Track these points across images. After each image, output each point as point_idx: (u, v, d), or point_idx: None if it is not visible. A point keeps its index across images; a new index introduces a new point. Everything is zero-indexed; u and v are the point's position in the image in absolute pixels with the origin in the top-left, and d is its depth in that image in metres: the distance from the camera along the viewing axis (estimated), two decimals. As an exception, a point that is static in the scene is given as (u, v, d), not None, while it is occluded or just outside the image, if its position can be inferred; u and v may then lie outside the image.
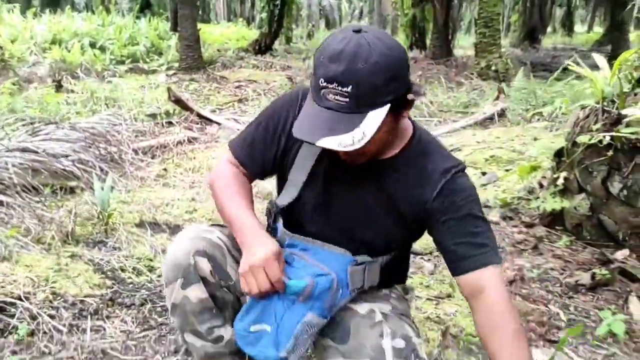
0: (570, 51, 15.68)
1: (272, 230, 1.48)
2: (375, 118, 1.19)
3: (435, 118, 7.37)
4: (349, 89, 1.16)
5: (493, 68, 11.36)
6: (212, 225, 1.55)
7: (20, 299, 2.02)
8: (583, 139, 3.30)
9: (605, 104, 3.37)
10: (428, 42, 17.41)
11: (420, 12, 18.07)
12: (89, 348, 1.92)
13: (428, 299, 2.69)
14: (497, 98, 7.58)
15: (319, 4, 36.70)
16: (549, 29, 25.23)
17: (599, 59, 3.59)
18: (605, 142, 3.19)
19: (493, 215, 3.93)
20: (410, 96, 1.26)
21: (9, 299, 2.00)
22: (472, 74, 10.45)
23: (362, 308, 1.42)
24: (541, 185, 3.91)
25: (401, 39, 20.90)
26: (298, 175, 1.44)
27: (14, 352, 1.82)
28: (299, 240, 1.44)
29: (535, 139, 5.33)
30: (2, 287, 2.05)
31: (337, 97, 1.18)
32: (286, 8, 19.70)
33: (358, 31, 1.20)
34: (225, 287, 1.45)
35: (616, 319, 2.44)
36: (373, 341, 1.31)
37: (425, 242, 3.48)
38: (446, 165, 1.38)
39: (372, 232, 1.44)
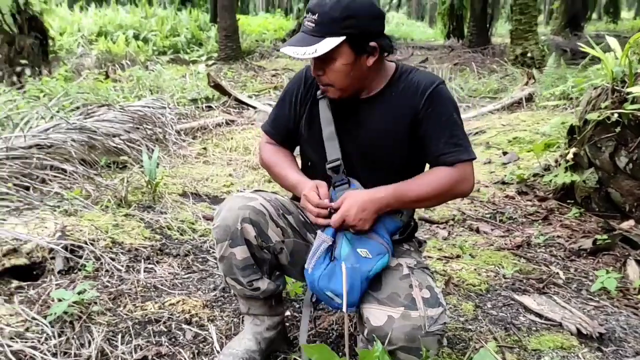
0: (613, 38, 15.42)
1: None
2: (329, 43, 1.54)
3: (465, 103, 7.57)
4: (316, 17, 1.56)
5: (529, 55, 11.39)
6: (256, 191, 1.87)
7: (86, 244, 2.42)
8: (592, 116, 3.52)
9: (615, 83, 3.57)
10: (466, 30, 17.43)
11: (458, 0, 18.08)
12: (143, 283, 2.30)
13: (438, 259, 2.98)
14: (527, 83, 7.71)
15: (357, -7, 36.72)
16: (594, 16, 24.67)
17: (612, 41, 3.78)
18: (613, 119, 3.41)
19: (509, 191, 4.19)
20: (372, 43, 1.60)
21: (77, 244, 2.40)
22: (506, 61, 10.52)
23: (391, 262, 1.70)
24: (557, 162, 4.13)
25: (439, 27, 20.95)
26: (328, 128, 1.74)
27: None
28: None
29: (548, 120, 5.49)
30: (72, 234, 2.45)
31: (308, 23, 1.58)
32: (323, -2, 19.97)
33: None
34: (265, 249, 1.75)
35: (610, 277, 2.67)
36: (405, 291, 1.58)
37: (441, 212, 3.78)
38: (429, 80, 1.71)
39: (388, 155, 1.75)
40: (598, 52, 3.67)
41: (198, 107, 6.31)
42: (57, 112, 4.36)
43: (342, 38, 1.56)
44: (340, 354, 1.99)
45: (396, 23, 28.71)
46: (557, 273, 2.87)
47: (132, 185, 3.53)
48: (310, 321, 1.83)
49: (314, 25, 1.56)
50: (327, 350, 1.53)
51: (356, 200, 1.61)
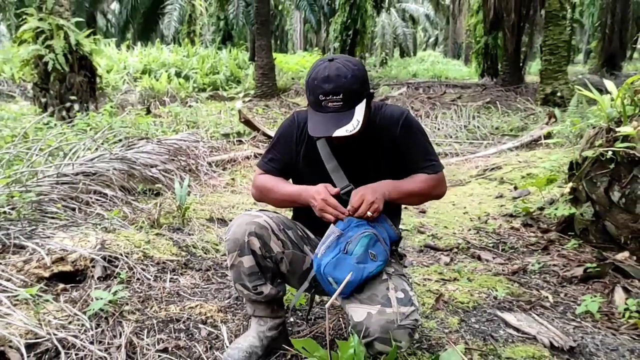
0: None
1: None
2: (361, 109, 1.89)
3: (486, 141, 7.83)
4: (341, 96, 1.86)
5: (558, 94, 11.59)
6: (260, 210, 2.21)
7: (121, 256, 2.82)
8: (588, 153, 3.78)
9: (610, 123, 3.83)
10: (499, 69, 17.68)
11: (492, 39, 18.33)
12: (168, 290, 2.67)
13: (436, 281, 3.26)
14: (547, 123, 7.93)
15: (393, 32, 37.53)
16: (635, 55, 24.60)
17: (608, 83, 4.06)
18: (608, 156, 3.66)
19: (515, 223, 4.43)
20: (371, 91, 2.00)
21: (114, 255, 2.80)
22: (532, 100, 10.75)
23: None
24: (562, 197, 4.37)
25: (473, 66, 21.28)
26: (331, 163, 2.10)
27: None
28: None
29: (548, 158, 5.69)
30: (110, 247, 2.85)
31: (334, 104, 1.87)
32: (359, 37, 20.59)
33: (331, 60, 1.93)
34: (268, 258, 2.08)
35: (594, 301, 2.90)
36: (382, 292, 1.93)
37: (447, 241, 4.05)
38: (398, 111, 2.12)
39: (378, 175, 2.10)
40: (595, 94, 3.95)
41: (230, 141, 6.78)
42: (102, 144, 4.85)
43: (365, 101, 1.93)
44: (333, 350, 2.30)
45: (432, 62, 29.17)
46: (547, 297, 3.09)
47: (164, 209, 3.94)
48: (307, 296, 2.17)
49: (341, 103, 1.85)
50: (313, 344, 1.86)
51: (366, 188, 2.00)
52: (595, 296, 3.02)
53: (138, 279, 2.71)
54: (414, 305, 1.94)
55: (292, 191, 2.11)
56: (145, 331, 2.29)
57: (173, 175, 4.97)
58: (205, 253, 3.36)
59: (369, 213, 1.95)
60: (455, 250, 3.91)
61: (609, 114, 3.77)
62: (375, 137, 2.09)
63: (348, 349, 1.80)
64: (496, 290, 3.12)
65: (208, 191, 5.13)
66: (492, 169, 6.24)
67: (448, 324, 2.63)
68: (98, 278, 2.63)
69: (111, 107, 6.95)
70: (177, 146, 5.66)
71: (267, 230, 2.08)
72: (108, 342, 2.18)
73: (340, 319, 2.55)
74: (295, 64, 19.86)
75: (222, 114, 8.70)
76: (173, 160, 5.33)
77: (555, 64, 12.13)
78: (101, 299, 2.33)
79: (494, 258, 3.79)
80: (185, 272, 2.95)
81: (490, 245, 4.00)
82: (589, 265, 3.36)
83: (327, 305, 1.82)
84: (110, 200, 3.77)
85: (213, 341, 2.30)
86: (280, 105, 12.03)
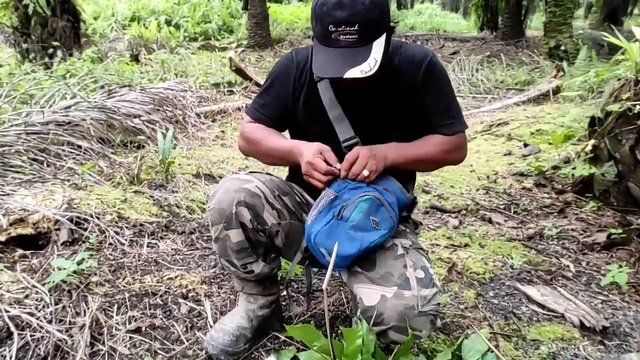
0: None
1: None
2: (379, 45, 1.49)
3: (490, 95, 7.44)
4: (356, 27, 1.45)
5: (562, 48, 11.10)
6: (252, 173, 1.84)
7: (92, 217, 2.46)
8: (614, 107, 3.42)
9: (639, 75, 3.46)
10: (500, 22, 17.09)
11: (492, -9, 17.71)
12: (145, 258, 2.33)
13: (446, 247, 2.94)
14: (555, 76, 7.54)
15: (391, -17, 36.40)
16: (635, 11, 23.90)
17: (637, 30, 3.66)
18: (635, 111, 3.30)
19: (527, 183, 4.10)
20: (392, 24, 1.57)
21: (83, 216, 2.44)
22: (534, 53, 10.29)
23: (385, 241, 1.67)
24: (579, 156, 4.03)
25: (472, 19, 20.60)
26: (334, 110, 1.72)
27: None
28: None
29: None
30: (78, 207, 2.49)
31: (347, 37, 1.46)
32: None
33: None
34: (261, 231, 1.72)
35: (622, 271, 2.60)
36: (398, 271, 1.57)
37: (454, 201, 3.73)
38: (422, 53, 1.72)
39: (392, 128, 1.75)
40: (622, 42, 3.56)
41: (220, 91, 6.35)
42: (80, 91, 4.42)
43: (384, 35, 1.52)
44: (334, 334, 1.99)
45: (429, 14, 28.28)
46: (568, 266, 2.80)
47: (146, 163, 3.57)
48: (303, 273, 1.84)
49: (356, 36, 1.46)
50: (312, 330, 1.53)
51: (364, 148, 1.64)
52: (621, 265, 2.73)
53: (110, 244, 2.36)
54: (435, 285, 1.59)
55: (283, 146, 1.73)
56: (115, 307, 1.96)
57: (158, 126, 4.57)
58: (189, 213, 3.01)
59: (365, 172, 1.59)
60: (464, 212, 3.59)
61: (639, 64, 3.39)
62: (391, 82, 1.70)
63: (355, 338, 1.48)
64: (512, 258, 2.82)
65: (196, 144, 4.74)
66: (499, 124, 5.87)
67: (463, 298, 2.32)
68: (63, 243, 2.28)
69: (93, 52, 6.45)
70: (163, 95, 5.23)
71: (259, 198, 1.71)
72: (70, 321, 1.85)
73: (342, 292, 2.23)
74: (290, 14, 19.06)
75: (213, 62, 8.22)
76: (158, 110, 4.92)
77: (560, 16, 11.57)
78: (64, 268, 1.99)
79: (505, 221, 3.48)
80: (165, 235, 2.60)
81: (501, 206, 3.68)
82: (612, 230, 3.06)
83: (324, 286, 1.48)
84: (85, 153, 3.38)
85: (195, 319, 1.98)
86: (274, 56, 11.50)
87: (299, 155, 1.64)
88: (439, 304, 1.57)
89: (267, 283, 1.88)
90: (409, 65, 1.69)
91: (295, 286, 2.31)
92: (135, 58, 8.61)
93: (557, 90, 6.91)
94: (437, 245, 2.97)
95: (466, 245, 3.00)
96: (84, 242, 2.33)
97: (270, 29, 13.62)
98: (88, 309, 1.90)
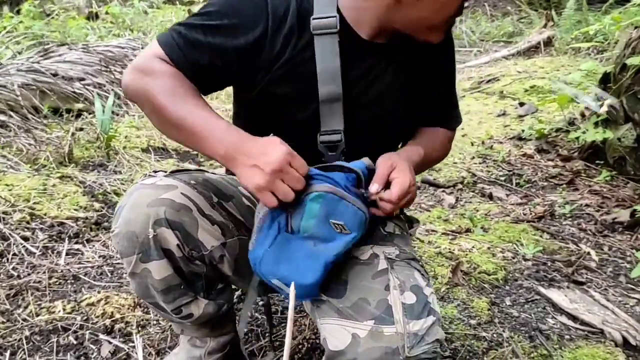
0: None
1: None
2: None
3: (476, 48, 6.90)
4: None
5: (545, -4, 10.59)
6: (174, 172, 1.24)
7: (-8, 218, 1.89)
8: (634, 61, 2.92)
9: (663, 21, 2.95)
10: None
11: (470, -62, 16.97)
12: (60, 272, 1.78)
13: (444, 234, 2.46)
14: (545, 26, 6.99)
15: None
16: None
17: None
18: (659, 65, 2.81)
19: (527, 148, 3.62)
20: None
21: (-21, 218, 1.87)
22: (522, 2, 9.72)
23: (361, 251, 1.16)
24: (583, 116, 3.55)
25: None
26: (330, 85, 1.12)
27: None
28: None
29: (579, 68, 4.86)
30: (-26, 205, 1.92)
31: None
32: None
33: None
34: (198, 259, 1.19)
35: (655, 260, 2.16)
36: (377, 295, 1.06)
37: (448, 173, 3.23)
38: None
39: (394, 119, 1.25)
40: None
41: (180, 49, 5.67)
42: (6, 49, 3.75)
43: None
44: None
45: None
46: (589, 253, 2.35)
47: (83, 138, 2.98)
48: (258, 311, 1.30)
49: None
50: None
51: (399, 158, 1.13)
52: (651, 251, 2.28)
53: (15, 254, 1.79)
54: (432, 313, 1.05)
55: (217, 130, 1.03)
56: (8, 354, 1.42)
57: (106, 90, 3.93)
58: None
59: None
60: (460, 186, 3.09)
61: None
62: (411, 52, 1.19)
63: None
64: (523, 246, 2.35)
65: (149, 111, 4.12)
66: (489, 80, 5.34)
67: (474, 309, 1.83)
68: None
69: (34, 6, 5.68)
70: (112, 54, 4.56)
71: (189, 212, 1.14)
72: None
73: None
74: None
75: (174, 17, 7.45)
76: (106, 72, 4.26)
77: (543, -38, 10.99)
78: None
79: (508, 196, 3.00)
80: (94, 237, 2.03)
81: (502, 178, 3.19)
82: (637, 207, 2.60)
83: (287, 334, 0.94)
84: (3, 127, 2.77)
85: (120, 365, 1.45)
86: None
87: (250, 156, 0.99)
88: (437, 340, 1.03)
89: (216, 320, 1.34)
90: None
91: (262, 303, 1.78)
92: (95, 15, 7.80)
93: (548, 42, 6.38)
94: (433, 231, 2.48)
95: (467, 230, 2.52)
96: (-21, 254, 1.77)
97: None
98: (-34, 360, 1.36)
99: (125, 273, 1.29)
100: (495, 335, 1.70)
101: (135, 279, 1.17)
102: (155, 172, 1.24)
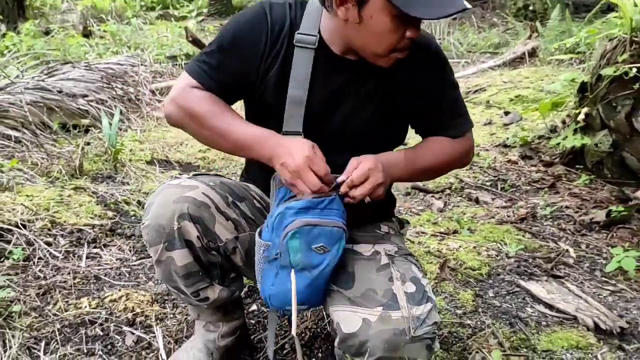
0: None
1: None
2: None
3: (463, 59, 7.12)
4: None
5: (530, 8, 10.83)
6: (196, 175, 1.46)
7: (17, 227, 2.06)
8: (607, 71, 3.12)
9: (635, 34, 3.16)
10: (464, -18, 16.73)
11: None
12: (83, 273, 1.95)
13: (433, 235, 2.64)
14: (530, 37, 7.23)
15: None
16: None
17: (629, -15, 3.35)
18: (631, 75, 3.01)
19: (512, 155, 3.81)
20: None
21: (6, 226, 2.04)
22: (507, 14, 9.99)
23: (364, 249, 1.36)
24: (565, 124, 3.75)
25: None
26: (297, 91, 1.30)
27: (6, 275, 1.86)
28: None
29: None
30: (0, 214, 2.08)
31: None
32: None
33: None
34: (214, 250, 1.38)
35: (628, 255, 2.33)
36: (383, 286, 1.26)
37: (436, 180, 3.41)
38: (424, 38, 1.36)
39: (367, 130, 1.39)
40: (616, -2, 3.24)
41: (177, 65, 5.85)
42: (13, 69, 3.93)
43: None
44: (313, 359, 1.67)
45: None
46: (567, 250, 2.53)
47: (91, 152, 3.16)
48: (277, 333, 1.49)
49: None
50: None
51: (368, 158, 1.27)
52: (625, 248, 2.47)
53: (40, 258, 1.97)
54: (430, 300, 1.26)
55: (248, 135, 1.29)
56: (43, 343, 1.59)
57: (108, 107, 4.11)
58: (141, 209, 2.62)
59: (367, 198, 1.26)
60: (448, 191, 3.28)
61: (636, 22, 3.08)
62: (388, 67, 1.31)
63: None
64: (507, 245, 2.53)
65: (151, 125, 4.30)
66: (476, 91, 5.55)
67: (460, 301, 2.01)
68: (-20, 262, 1.89)
69: (35, 25, 5.86)
70: (112, 71, 4.75)
71: (208, 208, 1.34)
72: (-18, 368, 1.48)
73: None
74: (251, -21, 18.34)
75: (170, 33, 7.65)
76: (106, 88, 4.45)
77: (528, -25, 11.27)
78: (-24, 298, 1.60)
79: (493, 200, 3.19)
80: (110, 242, 2.21)
81: (488, 183, 3.38)
82: (612, 208, 2.79)
83: (292, 332, 1.13)
84: (17, 143, 2.94)
85: (143, 353, 1.62)
86: (236, 24, 10.90)
87: (278, 154, 1.24)
88: (435, 323, 1.23)
89: (228, 307, 1.53)
90: (414, 48, 1.29)
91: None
92: (90, 31, 7.98)
93: (532, 52, 6.62)
94: (423, 233, 2.67)
95: (455, 232, 2.70)
96: (7, 258, 1.93)
97: (232, -4, 13.01)
98: (6, 349, 1.52)
99: (151, 262, 1.46)
100: (478, 322, 1.88)
101: (160, 266, 1.37)
102: (180, 174, 1.45)
